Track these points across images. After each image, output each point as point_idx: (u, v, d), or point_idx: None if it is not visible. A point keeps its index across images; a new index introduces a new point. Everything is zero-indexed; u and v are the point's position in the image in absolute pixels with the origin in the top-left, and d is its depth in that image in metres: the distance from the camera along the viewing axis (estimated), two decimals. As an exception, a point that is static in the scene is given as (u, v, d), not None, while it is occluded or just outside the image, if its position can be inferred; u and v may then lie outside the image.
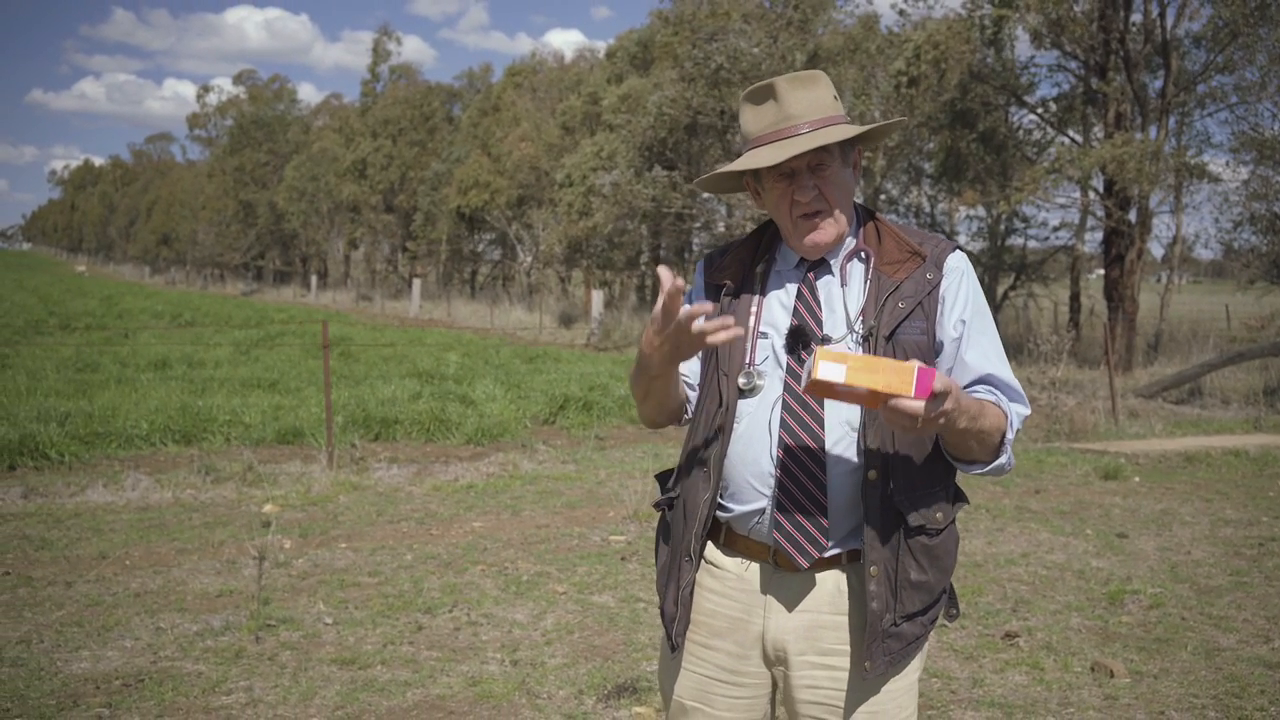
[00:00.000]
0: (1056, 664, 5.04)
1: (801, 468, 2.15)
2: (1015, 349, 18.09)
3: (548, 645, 5.24)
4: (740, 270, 2.33)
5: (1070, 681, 4.84)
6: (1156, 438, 12.18)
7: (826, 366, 1.91)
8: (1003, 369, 2.21)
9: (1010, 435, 2.16)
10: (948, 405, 1.92)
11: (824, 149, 2.18)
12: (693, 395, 2.38)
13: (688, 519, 2.26)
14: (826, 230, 2.21)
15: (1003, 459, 2.17)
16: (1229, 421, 13.71)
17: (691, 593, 2.27)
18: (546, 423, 12.74)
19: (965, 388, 2.18)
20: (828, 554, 2.18)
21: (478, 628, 5.48)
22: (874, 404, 1.94)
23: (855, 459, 2.15)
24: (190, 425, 10.96)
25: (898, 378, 1.89)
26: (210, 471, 9.00)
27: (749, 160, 2.21)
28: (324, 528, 7.55)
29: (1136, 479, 9.82)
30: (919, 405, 1.88)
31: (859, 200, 2.39)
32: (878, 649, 2.14)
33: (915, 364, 1.90)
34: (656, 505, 2.41)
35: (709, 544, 2.30)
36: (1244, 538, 7.60)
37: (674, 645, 2.28)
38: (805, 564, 2.16)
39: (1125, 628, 5.58)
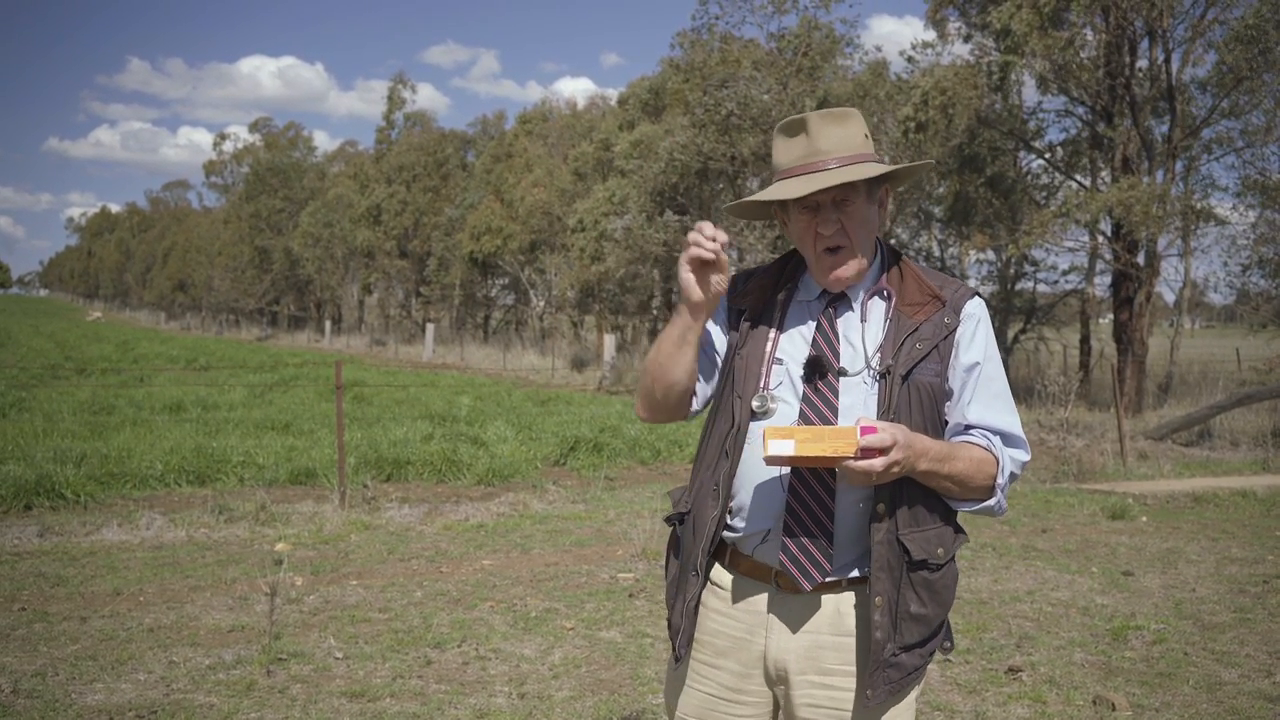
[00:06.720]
0: (1059, 698, 5.08)
1: (811, 493, 2.21)
2: (1025, 391, 18.15)
3: (555, 679, 5.30)
4: (762, 296, 2.39)
5: (1072, 715, 4.88)
6: (1165, 478, 12.19)
7: (775, 444, 2.05)
8: (1004, 415, 2.27)
9: (1002, 480, 2.23)
10: (895, 455, 2.05)
11: (849, 185, 2.24)
12: (699, 390, 2.41)
13: (696, 535, 2.33)
14: (848, 266, 2.27)
15: (992, 501, 2.25)
16: (1237, 463, 13.72)
17: (697, 607, 2.33)
18: (557, 464, 12.82)
19: (964, 430, 2.26)
20: (830, 579, 2.24)
21: (486, 662, 5.54)
22: (832, 465, 2.09)
23: (865, 490, 2.20)
24: (204, 466, 11.07)
25: (842, 442, 2.04)
26: (224, 511, 9.09)
27: (776, 191, 2.28)
28: (335, 565, 7.63)
29: (1144, 519, 9.84)
30: (860, 464, 2.03)
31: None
32: (879, 678, 2.20)
33: (858, 425, 2.04)
34: (668, 520, 2.46)
35: (715, 564, 2.36)
36: (1249, 575, 7.62)
37: (677, 656, 2.36)
38: (808, 587, 2.22)
39: (1128, 662, 5.61)
